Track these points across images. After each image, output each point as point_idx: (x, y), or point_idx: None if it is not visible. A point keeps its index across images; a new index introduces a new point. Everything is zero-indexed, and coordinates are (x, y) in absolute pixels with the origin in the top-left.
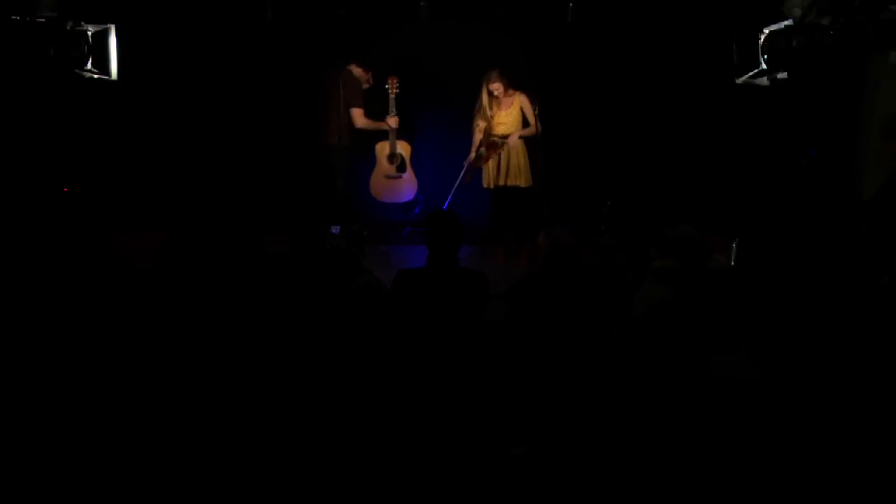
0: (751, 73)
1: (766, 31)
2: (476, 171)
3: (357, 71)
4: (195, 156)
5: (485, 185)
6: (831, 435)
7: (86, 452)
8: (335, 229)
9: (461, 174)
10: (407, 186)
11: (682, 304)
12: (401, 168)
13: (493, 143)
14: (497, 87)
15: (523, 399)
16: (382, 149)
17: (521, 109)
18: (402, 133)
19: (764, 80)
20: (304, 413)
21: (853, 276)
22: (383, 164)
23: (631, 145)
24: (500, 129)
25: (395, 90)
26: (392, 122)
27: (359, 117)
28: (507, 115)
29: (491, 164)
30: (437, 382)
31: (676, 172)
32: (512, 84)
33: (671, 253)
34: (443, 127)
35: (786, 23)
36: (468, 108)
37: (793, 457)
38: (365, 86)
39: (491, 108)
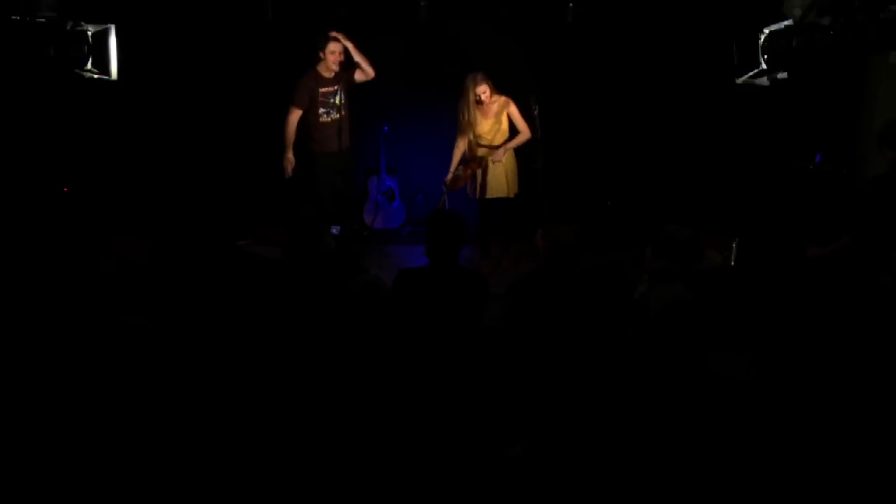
0: (751, 73)
1: (766, 31)
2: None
3: (320, 67)
4: (195, 156)
5: (468, 193)
6: (831, 435)
7: (85, 453)
8: (335, 229)
9: (441, 199)
10: (396, 215)
11: (695, 303)
12: (391, 199)
13: (469, 161)
14: (484, 90)
15: (521, 399)
16: (373, 182)
17: (508, 116)
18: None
19: (764, 80)
20: (303, 412)
21: (853, 275)
22: (375, 196)
23: (631, 145)
24: (486, 140)
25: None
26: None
27: (290, 115)
28: (494, 123)
29: (476, 175)
30: (435, 382)
31: (666, 181)
32: (497, 88)
33: (664, 253)
34: (442, 126)
35: (786, 23)
36: None
37: (793, 456)
38: (334, 68)
39: (475, 117)
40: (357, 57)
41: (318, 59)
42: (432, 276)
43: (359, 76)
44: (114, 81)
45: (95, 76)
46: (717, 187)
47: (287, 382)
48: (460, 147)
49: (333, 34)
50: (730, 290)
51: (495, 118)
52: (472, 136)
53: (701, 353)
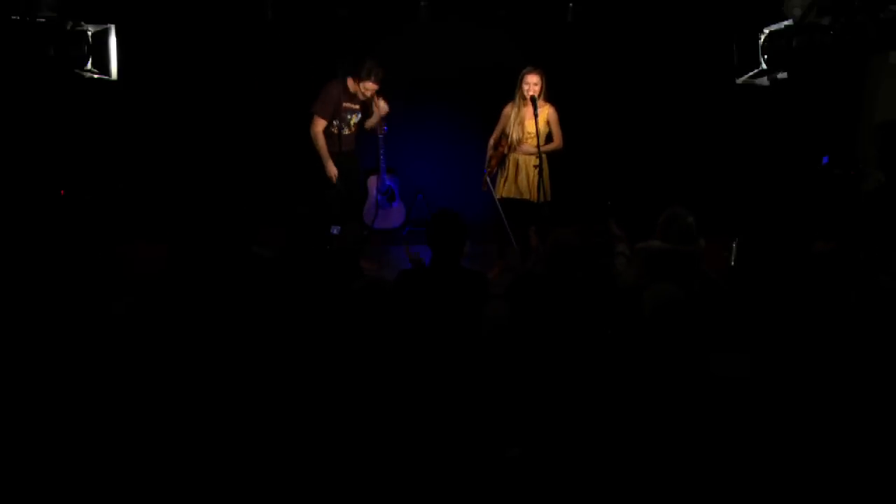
0: (751, 73)
1: (766, 31)
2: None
3: (350, 83)
4: (195, 156)
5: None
6: (830, 435)
7: (89, 456)
8: (335, 229)
9: (485, 178)
10: (396, 215)
11: (689, 303)
12: (391, 199)
13: (498, 146)
14: (535, 81)
15: (519, 400)
16: (373, 182)
17: (548, 122)
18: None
19: (764, 80)
20: (304, 412)
21: (853, 275)
22: (375, 196)
23: (631, 145)
24: (530, 141)
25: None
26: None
27: (318, 126)
28: (534, 125)
29: (502, 173)
30: (434, 382)
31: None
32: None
33: (662, 234)
34: (442, 126)
35: (786, 23)
36: (467, 108)
37: (793, 457)
38: (361, 97)
39: (520, 114)
40: (378, 116)
41: (349, 75)
42: (433, 277)
43: (368, 123)
44: (114, 81)
45: (95, 76)
46: (717, 187)
47: (288, 382)
48: (493, 138)
49: (375, 81)
50: (730, 291)
51: (539, 119)
52: (506, 130)
53: (699, 353)
